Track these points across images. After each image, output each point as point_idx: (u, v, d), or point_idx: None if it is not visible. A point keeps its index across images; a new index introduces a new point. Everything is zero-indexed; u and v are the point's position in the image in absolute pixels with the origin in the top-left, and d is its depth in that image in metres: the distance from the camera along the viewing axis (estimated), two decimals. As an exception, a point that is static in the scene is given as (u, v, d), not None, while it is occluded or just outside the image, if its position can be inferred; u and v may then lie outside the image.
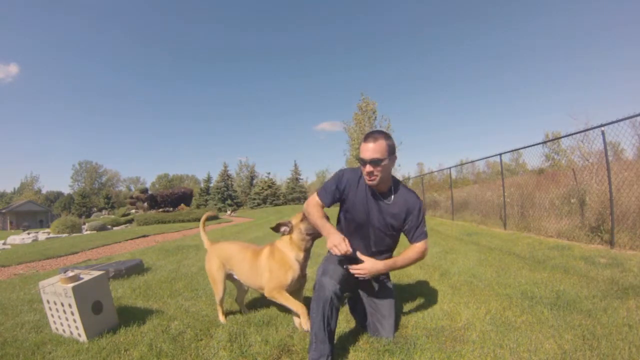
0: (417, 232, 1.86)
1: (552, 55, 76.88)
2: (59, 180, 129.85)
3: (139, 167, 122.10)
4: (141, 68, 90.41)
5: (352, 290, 2.09)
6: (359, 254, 1.79)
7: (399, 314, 2.15)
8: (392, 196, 1.87)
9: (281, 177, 56.47)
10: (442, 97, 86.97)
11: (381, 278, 1.99)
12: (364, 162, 1.76)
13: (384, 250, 1.94)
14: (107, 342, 1.97)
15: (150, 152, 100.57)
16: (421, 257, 1.86)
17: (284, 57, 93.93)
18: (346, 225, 2.00)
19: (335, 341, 1.85)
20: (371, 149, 1.73)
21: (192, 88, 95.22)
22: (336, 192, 1.91)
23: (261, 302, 2.57)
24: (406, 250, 1.85)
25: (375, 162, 1.73)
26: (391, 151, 1.77)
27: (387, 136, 1.78)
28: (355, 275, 1.78)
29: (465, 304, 2.34)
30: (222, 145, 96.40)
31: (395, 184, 1.90)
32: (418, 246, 1.85)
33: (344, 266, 1.76)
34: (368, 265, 1.74)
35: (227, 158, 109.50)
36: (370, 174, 1.76)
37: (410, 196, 1.89)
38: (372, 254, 1.89)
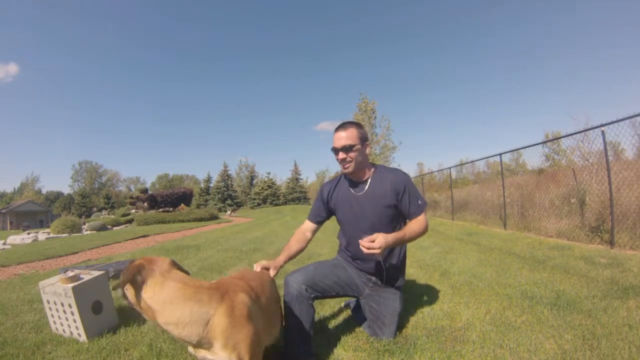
0: (412, 207, 1.83)
1: (552, 55, 76.96)
2: (59, 180, 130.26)
3: (139, 167, 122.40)
4: (141, 68, 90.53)
5: (353, 296, 2.03)
6: (365, 239, 1.60)
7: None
8: (369, 180, 1.87)
9: (281, 177, 56.69)
10: (442, 97, 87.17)
11: (389, 289, 1.92)
12: (336, 151, 1.82)
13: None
14: (107, 342, 1.97)
15: (150, 152, 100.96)
16: (424, 228, 1.81)
17: (284, 57, 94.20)
18: (343, 229, 2.00)
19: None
20: (343, 137, 1.80)
21: (192, 88, 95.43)
22: (321, 205, 2.00)
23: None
24: (409, 224, 1.83)
25: (346, 149, 1.78)
26: (363, 138, 1.84)
27: (358, 125, 1.86)
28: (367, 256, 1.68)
29: (465, 304, 2.34)
30: (222, 145, 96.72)
31: (376, 169, 1.92)
32: (419, 219, 1.82)
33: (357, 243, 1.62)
34: (379, 239, 1.57)
35: (227, 158, 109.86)
36: (343, 160, 1.81)
37: (394, 174, 1.87)
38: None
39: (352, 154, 1.79)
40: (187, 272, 1.30)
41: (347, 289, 1.90)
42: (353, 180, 1.92)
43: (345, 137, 1.79)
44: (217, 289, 1.25)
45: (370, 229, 1.77)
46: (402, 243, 1.78)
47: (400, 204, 1.83)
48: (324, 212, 2.01)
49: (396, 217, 1.88)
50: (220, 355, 1.16)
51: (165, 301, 1.13)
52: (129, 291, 1.18)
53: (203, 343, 1.16)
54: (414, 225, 1.80)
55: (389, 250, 1.84)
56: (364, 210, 1.86)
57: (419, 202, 1.84)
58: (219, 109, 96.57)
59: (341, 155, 1.80)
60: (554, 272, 3.08)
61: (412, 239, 1.80)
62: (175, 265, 1.28)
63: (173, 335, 1.16)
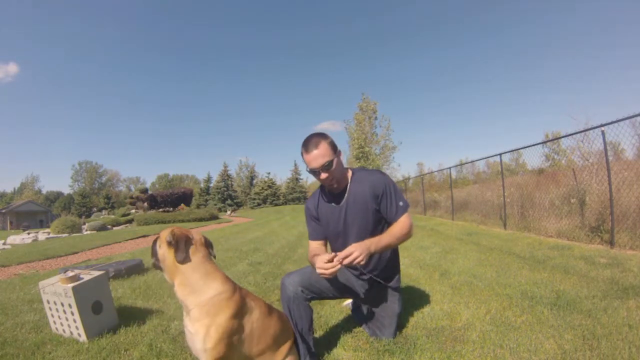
0: (392, 209, 1.73)
1: (552, 55, 77.03)
2: (59, 180, 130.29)
3: (139, 167, 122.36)
4: (141, 67, 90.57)
5: (352, 297, 2.01)
6: (340, 255, 1.52)
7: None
8: (348, 189, 1.78)
9: (281, 177, 56.72)
10: (442, 97, 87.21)
11: (387, 292, 1.90)
12: (316, 172, 1.67)
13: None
14: (107, 342, 1.97)
15: (150, 152, 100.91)
16: (407, 231, 1.69)
17: (284, 56, 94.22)
18: (331, 244, 1.95)
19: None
20: (317, 155, 1.64)
21: (192, 88, 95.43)
22: (315, 222, 1.91)
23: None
24: (390, 227, 1.73)
25: (327, 167, 1.65)
26: (334, 148, 1.70)
27: (324, 136, 1.70)
28: (356, 266, 1.62)
29: (465, 304, 2.34)
30: (222, 145, 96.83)
31: (354, 174, 1.82)
32: (400, 220, 1.72)
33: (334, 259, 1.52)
34: (353, 249, 1.49)
35: (227, 158, 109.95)
36: (326, 179, 1.69)
37: (372, 176, 1.78)
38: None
39: (332, 170, 1.67)
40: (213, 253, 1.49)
41: (344, 291, 1.87)
42: (333, 192, 1.82)
43: (321, 155, 1.64)
44: (234, 283, 1.41)
45: (357, 239, 1.65)
46: (381, 246, 1.63)
47: (380, 206, 1.75)
48: (319, 227, 1.92)
49: (382, 221, 1.80)
50: (196, 332, 1.26)
51: (188, 267, 1.33)
52: (162, 249, 1.36)
53: (191, 313, 1.29)
54: (395, 228, 1.71)
55: (378, 256, 1.79)
56: (347, 222, 1.79)
57: (400, 203, 1.74)
58: (219, 109, 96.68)
59: (323, 175, 1.67)
60: (554, 272, 3.08)
61: (394, 242, 1.69)
62: (207, 243, 1.45)
63: (178, 297, 1.32)
